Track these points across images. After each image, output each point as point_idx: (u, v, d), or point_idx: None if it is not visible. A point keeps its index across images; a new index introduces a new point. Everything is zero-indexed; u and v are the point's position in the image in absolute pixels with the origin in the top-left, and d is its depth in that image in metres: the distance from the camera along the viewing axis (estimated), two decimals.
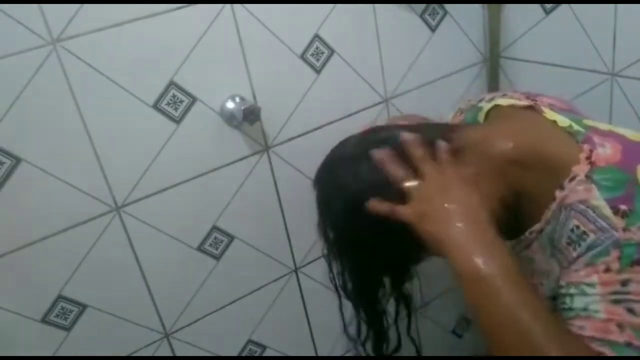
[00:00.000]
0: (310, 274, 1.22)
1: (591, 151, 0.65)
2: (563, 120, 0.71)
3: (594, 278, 0.61)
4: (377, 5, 1.11)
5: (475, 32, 1.28)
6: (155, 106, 0.93)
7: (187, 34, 0.93)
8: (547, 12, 1.16)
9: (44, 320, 0.94)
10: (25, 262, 0.89)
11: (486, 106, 0.83)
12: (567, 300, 0.63)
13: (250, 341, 1.20)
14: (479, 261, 0.62)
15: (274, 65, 1.03)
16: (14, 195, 0.85)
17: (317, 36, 1.06)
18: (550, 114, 0.73)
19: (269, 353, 1.23)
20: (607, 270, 0.60)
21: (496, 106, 0.82)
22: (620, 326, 0.58)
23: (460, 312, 1.55)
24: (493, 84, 1.33)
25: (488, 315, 0.61)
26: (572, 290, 0.63)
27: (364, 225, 0.74)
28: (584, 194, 0.63)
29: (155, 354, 1.07)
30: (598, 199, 0.62)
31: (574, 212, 0.63)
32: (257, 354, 1.22)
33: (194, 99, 0.96)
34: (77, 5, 0.82)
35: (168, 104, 0.94)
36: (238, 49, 0.98)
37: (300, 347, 1.28)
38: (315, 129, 1.12)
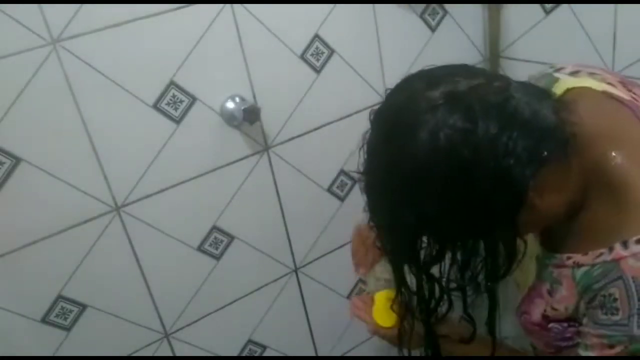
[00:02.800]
0: (310, 274, 1.22)
1: None
2: None
3: (595, 344, 0.61)
4: (377, 5, 1.11)
5: (475, 32, 1.28)
6: (155, 106, 0.93)
7: (187, 34, 0.93)
8: (547, 12, 1.16)
9: (44, 320, 0.94)
10: (25, 262, 0.89)
11: (568, 81, 0.70)
12: (581, 335, 0.64)
13: (250, 341, 1.20)
14: None
15: (274, 65, 1.03)
16: (14, 195, 0.85)
17: (317, 36, 1.06)
18: None
19: (269, 353, 1.23)
20: (610, 348, 0.60)
21: (585, 89, 0.68)
22: None
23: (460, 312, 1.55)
24: None
25: None
26: (583, 329, 0.64)
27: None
28: None
29: (155, 354, 1.07)
30: None
31: (622, 283, 0.58)
32: (257, 354, 1.22)
33: (194, 99, 0.96)
34: (77, 5, 0.82)
35: (168, 104, 0.94)
36: (238, 49, 0.98)
37: (300, 347, 1.28)
38: (315, 129, 1.12)
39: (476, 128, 0.56)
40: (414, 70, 0.65)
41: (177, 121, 0.96)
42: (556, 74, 0.71)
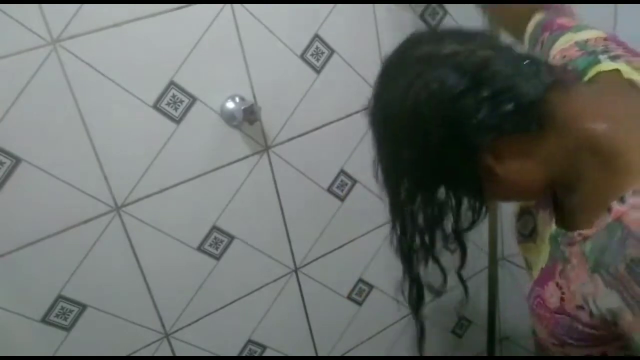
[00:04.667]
0: (310, 274, 1.22)
1: None
2: None
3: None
4: (377, 5, 1.11)
5: None
6: (155, 106, 0.93)
7: (187, 34, 0.93)
8: None
9: (44, 320, 0.94)
10: (25, 262, 0.89)
11: (606, 65, 0.70)
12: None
13: (250, 341, 1.20)
14: None
15: (274, 65, 1.03)
16: (14, 195, 0.85)
17: (317, 36, 1.06)
18: None
19: (269, 353, 1.23)
20: None
21: (615, 70, 0.69)
22: None
23: (460, 312, 1.55)
24: None
25: None
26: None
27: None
28: None
29: (155, 354, 1.07)
30: None
31: (633, 240, 0.55)
32: (257, 354, 1.22)
33: (194, 99, 0.96)
34: (77, 5, 0.83)
35: (168, 104, 0.94)
36: (238, 49, 0.98)
37: (300, 347, 1.28)
38: (315, 129, 1.12)
39: (443, 88, 0.62)
40: None
41: (177, 121, 0.96)
42: (600, 57, 0.73)
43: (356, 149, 1.18)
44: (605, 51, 0.74)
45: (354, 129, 1.15)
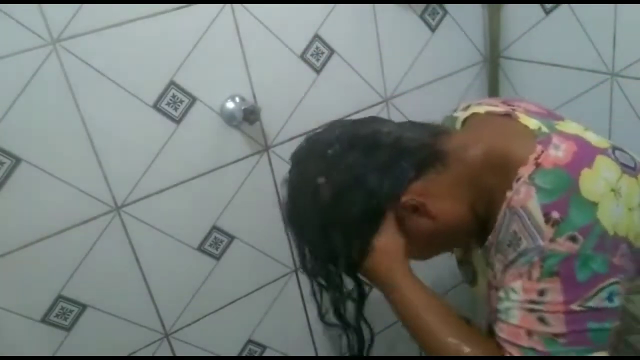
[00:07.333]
0: None
1: (542, 152, 0.65)
2: (534, 124, 0.71)
3: (518, 284, 0.65)
4: (377, 5, 1.11)
5: (475, 32, 1.28)
6: (155, 106, 0.93)
7: (187, 34, 0.93)
8: (547, 12, 1.16)
9: (44, 320, 0.94)
10: (25, 262, 0.89)
11: (462, 115, 0.84)
12: (498, 302, 0.68)
13: (250, 341, 1.20)
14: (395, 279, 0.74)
15: (274, 65, 1.03)
16: (14, 195, 0.85)
17: (317, 36, 1.06)
18: (523, 119, 0.73)
19: (269, 353, 1.23)
20: (530, 278, 0.63)
21: (473, 114, 0.82)
22: (529, 333, 0.64)
23: (459, 312, 1.54)
24: (493, 84, 1.33)
25: (404, 320, 0.74)
26: (501, 294, 0.67)
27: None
28: (524, 197, 0.64)
29: (155, 354, 1.07)
30: (534, 204, 0.63)
31: (515, 216, 0.65)
32: (257, 354, 1.22)
33: (194, 99, 0.96)
34: (77, 5, 0.83)
35: (168, 104, 0.94)
36: (238, 49, 0.98)
37: (300, 347, 1.28)
38: (316, 129, 1.11)
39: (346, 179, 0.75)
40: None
41: (177, 121, 0.96)
42: (455, 114, 0.86)
43: None
44: (456, 110, 0.89)
45: None
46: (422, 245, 0.78)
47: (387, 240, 0.75)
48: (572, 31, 1.12)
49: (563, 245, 0.61)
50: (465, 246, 0.88)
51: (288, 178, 0.83)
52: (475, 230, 0.75)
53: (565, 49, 1.16)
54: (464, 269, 0.93)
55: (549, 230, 0.62)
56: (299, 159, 0.81)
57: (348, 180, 0.74)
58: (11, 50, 0.80)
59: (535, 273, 0.63)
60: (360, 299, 0.84)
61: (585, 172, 0.63)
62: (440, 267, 1.37)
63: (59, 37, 0.82)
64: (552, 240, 0.61)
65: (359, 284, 0.83)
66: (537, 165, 0.65)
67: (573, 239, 0.61)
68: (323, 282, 0.85)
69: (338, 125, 0.81)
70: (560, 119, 0.77)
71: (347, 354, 0.87)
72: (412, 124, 0.80)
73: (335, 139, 0.77)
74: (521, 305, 0.64)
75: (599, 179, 0.63)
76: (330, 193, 0.74)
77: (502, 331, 0.67)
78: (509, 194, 0.66)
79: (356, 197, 0.73)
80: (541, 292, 0.63)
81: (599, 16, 1.06)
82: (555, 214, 0.62)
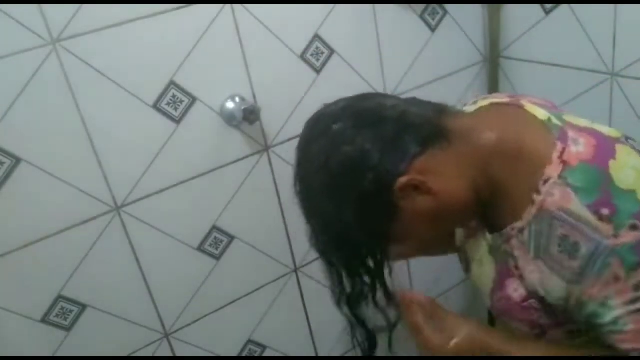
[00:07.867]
0: (310, 274, 1.22)
1: (564, 149, 0.65)
2: (542, 114, 0.71)
3: (610, 291, 0.63)
4: (377, 5, 1.11)
5: (475, 32, 1.28)
6: (155, 106, 0.93)
7: (187, 34, 0.93)
8: (547, 12, 1.16)
9: (44, 320, 0.94)
10: (25, 262, 0.89)
11: (470, 109, 0.83)
12: (597, 317, 0.65)
13: (250, 341, 1.20)
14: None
15: (274, 65, 1.03)
16: (14, 195, 0.85)
17: (317, 36, 1.06)
18: (530, 107, 0.73)
19: (269, 353, 1.23)
20: (617, 279, 0.62)
21: (480, 107, 0.81)
22: None
23: (459, 312, 1.55)
24: (493, 84, 1.33)
25: None
26: (597, 308, 0.65)
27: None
28: (561, 200, 0.63)
29: (155, 354, 1.07)
30: (578, 206, 0.62)
31: (558, 221, 0.63)
32: (257, 354, 1.22)
33: (194, 99, 0.96)
34: (77, 5, 0.83)
35: (168, 104, 0.94)
36: (238, 49, 0.98)
37: (300, 347, 1.28)
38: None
39: (353, 150, 0.71)
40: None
41: (177, 121, 0.96)
42: (465, 108, 0.85)
43: None
44: (465, 105, 0.87)
45: None
46: (423, 230, 0.75)
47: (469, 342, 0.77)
48: (572, 31, 1.12)
49: (628, 236, 0.60)
50: (465, 228, 0.86)
51: (295, 158, 0.79)
52: (476, 212, 0.75)
53: (565, 49, 1.16)
54: (463, 257, 0.92)
55: (607, 228, 0.61)
56: (305, 136, 0.79)
57: (353, 154, 0.71)
58: (11, 50, 0.80)
59: (620, 273, 0.61)
60: (381, 284, 0.82)
61: (612, 164, 0.64)
62: (441, 267, 1.38)
63: (59, 37, 0.83)
64: (615, 236, 0.61)
65: (378, 276, 0.81)
66: (564, 163, 0.64)
67: (634, 227, 0.61)
68: (350, 276, 0.83)
69: (343, 99, 0.79)
70: (562, 110, 0.77)
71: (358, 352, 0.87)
72: (418, 100, 0.78)
73: (341, 112, 0.75)
74: (626, 309, 0.62)
75: (626, 168, 0.64)
76: (337, 168, 0.72)
77: (624, 342, 0.64)
78: (536, 197, 0.65)
79: (362, 172, 0.71)
80: (636, 287, 0.61)
81: (599, 16, 1.06)
82: (604, 211, 0.61)
